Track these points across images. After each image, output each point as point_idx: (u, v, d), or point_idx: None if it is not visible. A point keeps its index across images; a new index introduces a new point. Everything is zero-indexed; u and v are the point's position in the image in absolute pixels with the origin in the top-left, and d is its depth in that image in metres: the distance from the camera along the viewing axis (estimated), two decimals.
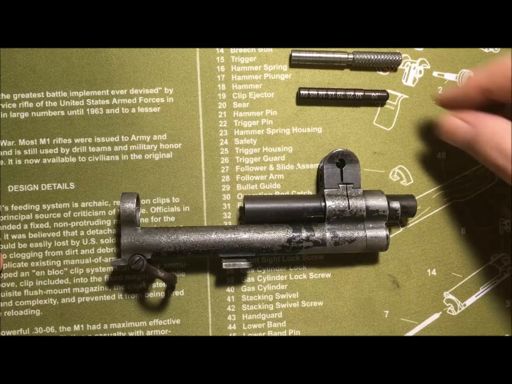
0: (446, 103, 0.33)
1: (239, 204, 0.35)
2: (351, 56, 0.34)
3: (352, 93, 0.34)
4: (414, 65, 0.36)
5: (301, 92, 0.34)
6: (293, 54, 0.34)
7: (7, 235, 0.34)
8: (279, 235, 0.32)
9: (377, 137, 0.35)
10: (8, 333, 0.33)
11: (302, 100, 0.35)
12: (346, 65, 0.35)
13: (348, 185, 0.33)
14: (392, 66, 0.35)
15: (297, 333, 0.35)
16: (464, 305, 0.35)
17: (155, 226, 0.34)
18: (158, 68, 0.34)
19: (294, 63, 0.35)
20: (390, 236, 0.35)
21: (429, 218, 0.35)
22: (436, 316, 0.35)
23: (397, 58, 0.35)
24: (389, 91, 0.35)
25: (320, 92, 0.34)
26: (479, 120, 0.30)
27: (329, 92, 0.34)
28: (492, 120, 0.30)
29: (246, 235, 0.32)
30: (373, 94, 0.34)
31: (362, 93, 0.34)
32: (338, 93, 0.34)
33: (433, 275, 0.35)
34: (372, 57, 0.34)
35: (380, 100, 0.35)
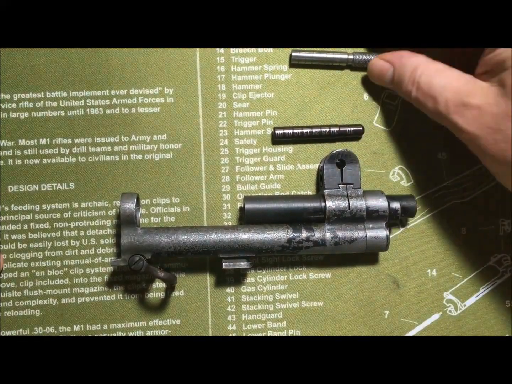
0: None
1: (239, 204, 0.35)
2: (351, 56, 0.34)
3: (327, 129, 0.34)
4: None
5: (276, 132, 0.34)
6: (293, 54, 0.34)
7: (7, 235, 0.33)
8: (279, 235, 0.32)
9: (377, 137, 0.35)
10: (8, 333, 0.33)
11: (278, 139, 0.34)
12: (346, 65, 0.35)
13: (348, 185, 0.33)
14: None
15: (297, 333, 0.35)
16: (464, 305, 0.35)
17: (155, 226, 0.34)
18: (158, 68, 0.34)
19: (294, 63, 0.35)
20: (390, 236, 0.35)
21: (429, 218, 0.35)
22: (436, 316, 0.35)
23: None
24: (389, 91, 0.35)
25: (295, 131, 0.34)
26: (400, 59, 0.31)
27: (304, 130, 0.34)
28: (412, 58, 0.30)
29: (246, 235, 0.32)
30: (348, 129, 0.34)
31: (337, 129, 0.34)
32: (313, 130, 0.34)
33: (433, 275, 0.35)
34: (372, 58, 0.34)
35: (355, 134, 0.35)
